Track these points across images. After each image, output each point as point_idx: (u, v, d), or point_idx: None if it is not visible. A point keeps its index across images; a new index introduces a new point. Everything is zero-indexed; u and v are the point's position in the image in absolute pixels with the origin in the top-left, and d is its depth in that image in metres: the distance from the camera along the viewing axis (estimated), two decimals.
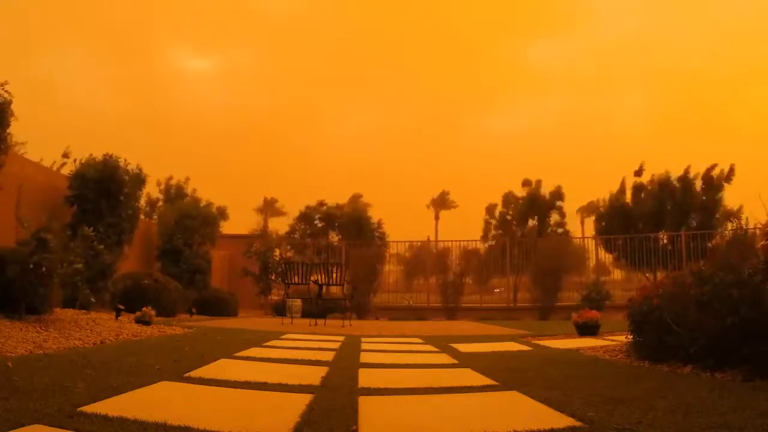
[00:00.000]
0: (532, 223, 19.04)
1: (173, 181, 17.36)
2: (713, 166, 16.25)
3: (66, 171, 9.35)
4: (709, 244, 14.60)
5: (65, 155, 10.01)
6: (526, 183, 19.54)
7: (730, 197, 16.00)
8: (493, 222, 19.91)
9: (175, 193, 16.68)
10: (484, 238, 19.14)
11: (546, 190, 19.17)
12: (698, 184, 16.17)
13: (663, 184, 16.39)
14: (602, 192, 17.77)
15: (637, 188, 16.90)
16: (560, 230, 18.77)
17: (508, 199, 19.71)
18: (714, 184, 16.00)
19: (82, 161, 9.20)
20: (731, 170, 16.06)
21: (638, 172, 17.10)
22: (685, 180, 16.30)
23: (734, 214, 15.67)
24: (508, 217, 19.43)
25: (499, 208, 19.87)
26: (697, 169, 16.45)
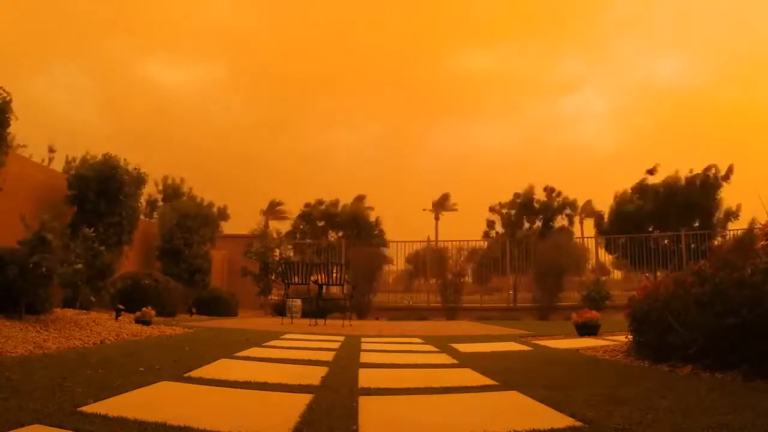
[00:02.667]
0: (537, 224, 19.15)
1: (169, 181, 17.38)
2: (710, 167, 16.27)
3: (55, 166, 9.37)
4: (710, 244, 14.60)
5: (51, 150, 10.01)
6: (547, 189, 19.65)
7: (728, 196, 16.09)
8: (497, 220, 19.99)
9: (172, 193, 16.69)
10: (486, 237, 19.19)
11: (561, 197, 19.39)
12: (697, 185, 16.20)
13: (669, 186, 16.43)
14: (601, 192, 17.87)
15: (644, 189, 16.93)
16: (564, 232, 18.87)
17: (516, 200, 19.79)
18: (712, 183, 16.01)
19: (83, 159, 9.20)
20: (729, 170, 16.07)
21: (651, 171, 17.14)
22: (688, 181, 16.33)
23: (733, 213, 15.69)
24: (512, 218, 19.51)
25: (506, 209, 19.94)
26: (696, 171, 16.51)
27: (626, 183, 17.48)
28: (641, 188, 16.99)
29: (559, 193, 19.49)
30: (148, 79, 56.73)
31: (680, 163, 17.03)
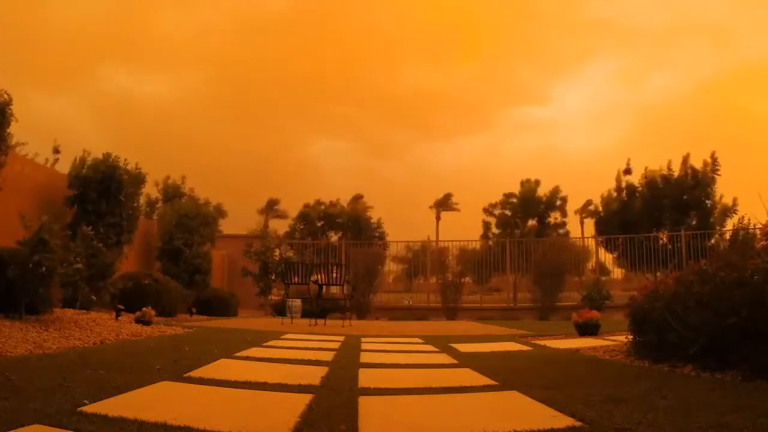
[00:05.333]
0: (531, 222, 19.19)
1: (170, 181, 17.33)
2: (687, 156, 16.12)
3: (60, 167, 9.36)
4: (709, 243, 14.59)
5: (56, 150, 9.98)
6: (524, 183, 19.68)
7: (723, 192, 15.99)
8: (493, 221, 20.07)
9: (172, 193, 16.65)
10: (484, 238, 19.25)
11: (545, 189, 19.44)
12: (687, 178, 16.05)
13: (653, 183, 16.34)
14: (598, 193, 17.87)
15: (630, 187, 16.88)
16: (561, 231, 18.91)
17: (508, 199, 19.86)
18: (701, 177, 15.88)
19: (81, 159, 9.20)
20: (714, 160, 15.89)
21: (627, 171, 17.09)
22: (671, 176, 16.18)
23: (730, 210, 15.61)
24: (508, 216, 19.59)
25: (498, 209, 20.02)
26: (677, 163, 16.38)
27: (609, 184, 17.50)
28: (627, 188, 16.93)
29: (537, 182, 19.53)
30: (143, 93, 58.83)
31: (660, 163, 16.88)
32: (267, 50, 61.52)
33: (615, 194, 17.02)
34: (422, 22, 61.11)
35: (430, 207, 45.02)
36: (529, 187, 19.47)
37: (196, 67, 63.13)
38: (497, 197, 20.36)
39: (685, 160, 16.12)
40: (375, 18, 61.19)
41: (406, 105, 64.72)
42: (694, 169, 16.00)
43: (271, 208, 41.10)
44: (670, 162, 16.35)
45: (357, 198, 24.39)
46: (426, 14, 59.30)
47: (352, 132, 65.77)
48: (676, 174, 16.18)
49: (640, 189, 16.53)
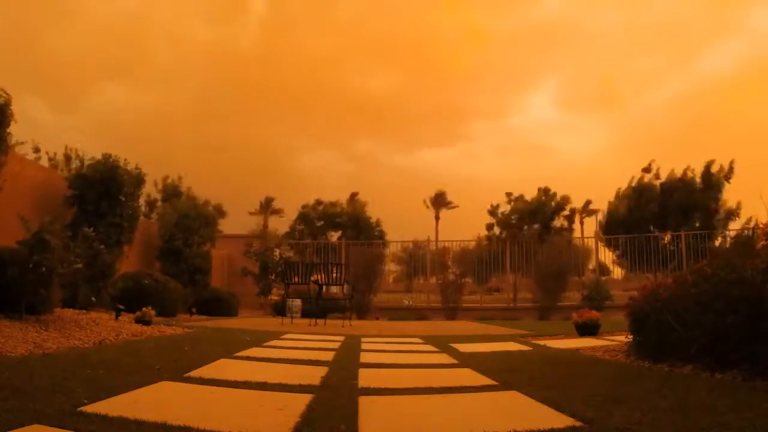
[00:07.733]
0: (536, 225, 19.20)
1: (169, 181, 17.31)
2: (711, 162, 16.20)
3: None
4: (710, 244, 14.60)
5: (36, 150, 10.05)
6: (542, 190, 19.76)
7: (728, 195, 16.03)
8: (496, 221, 20.07)
9: (171, 192, 16.62)
10: (485, 238, 19.22)
11: (557, 197, 19.48)
12: (698, 182, 16.12)
13: (666, 184, 16.38)
14: (599, 194, 17.91)
15: (639, 189, 16.90)
16: (564, 233, 18.90)
17: (517, 201, 19.86)
18: (713, 182, 15.95)
19: (79, 158, 9.23)
20: (731, 168, 16.00)
21: (647, 169, 17.10)
22: (686, 179, 16.27)
23: (734, 212, 15.64)
24: (513, 219, 19.61)
25: (503, 209, 20.05)
26: (697, 167, 16.44)
27: (622, 183, 17.50)
28: (639, 188, 16.95)
29: (555, 194, 19.60)
30: (138, 107, 60.68)
31: (673, 164, 16.96)
32: (246, 73, 64.19)
33: (629, 193, 17.02)
34: (398, 40, 62.97)
35: (426, 205, 45.19)
36: (543, 195, 19.59)
37: (186, 86, 65.99)
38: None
39: (708, 166, 16.22)
40: (345, 39, 63.23)
41: (390, 113, 66.83)
42: (708, 173, 16.09)
43: (268, 205, 41.37)
44: (688, 167, 16.52)
45: (353, 196, 24.43)
46: (402, 33, 60.80)
47: (339, 138, 68.02)
48: (696, 178, 16.27)
49: (654, 189, 16.57)
